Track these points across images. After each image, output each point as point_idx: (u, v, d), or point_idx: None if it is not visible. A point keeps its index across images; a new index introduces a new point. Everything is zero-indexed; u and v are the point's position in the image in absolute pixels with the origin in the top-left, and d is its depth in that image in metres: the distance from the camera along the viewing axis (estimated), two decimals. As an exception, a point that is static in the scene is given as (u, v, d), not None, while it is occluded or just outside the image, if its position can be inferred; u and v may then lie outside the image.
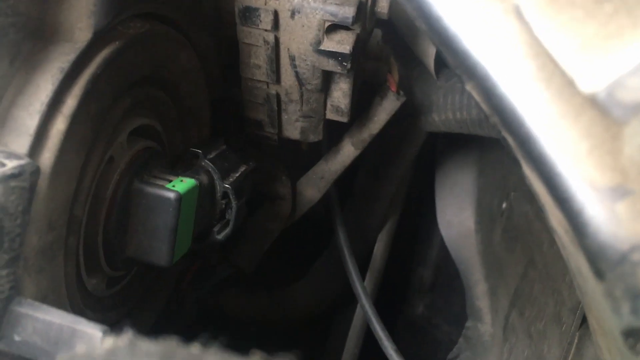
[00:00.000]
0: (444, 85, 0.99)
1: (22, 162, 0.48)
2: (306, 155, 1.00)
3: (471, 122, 0.97)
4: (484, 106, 0.44)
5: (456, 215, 1.24)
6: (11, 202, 0.47)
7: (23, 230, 0.49)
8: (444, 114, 0.99)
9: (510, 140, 0.41)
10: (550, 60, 0.32)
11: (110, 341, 0.29)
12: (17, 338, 0.49)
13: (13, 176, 0.47)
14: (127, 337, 0.28)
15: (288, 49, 0.78)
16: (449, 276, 1.34)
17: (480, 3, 0.35)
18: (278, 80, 0.81)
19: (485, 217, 1.18)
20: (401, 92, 0.93)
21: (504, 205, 1.16)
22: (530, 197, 1.05)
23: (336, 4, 0.73)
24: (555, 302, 0.81)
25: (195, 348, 0.26)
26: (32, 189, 0.49)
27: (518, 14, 0.31)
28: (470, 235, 1.22)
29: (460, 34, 0.36)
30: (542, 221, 0.95)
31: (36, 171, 0.49)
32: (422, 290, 1.40)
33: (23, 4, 0.52)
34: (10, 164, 0.47)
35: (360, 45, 0.77)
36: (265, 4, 0.75)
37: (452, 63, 0.41)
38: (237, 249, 0.95)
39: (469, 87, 0.45)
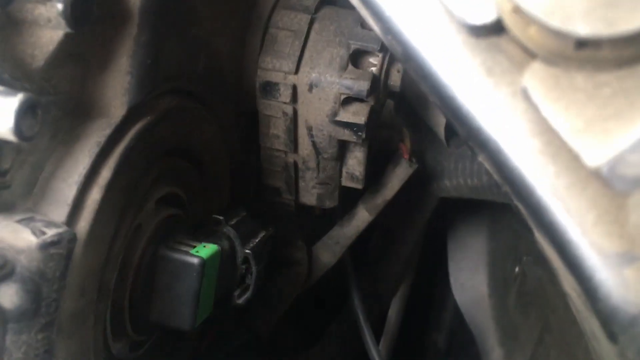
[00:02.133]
0: (455, 152, 1.03)
1: (60, 230, 0.51)
2: (319, 219, 1.03)
3: (482, 188, 0.99)
4: (495, 176, 0.47)
5: (469, 279, 1.25)
6: (49, 268, 0.50)
7: (59, 295, 0.51)
8: (456, 179, 1.02)
9: (521, 208, 0.44)
10: (556, 137, 0.35)
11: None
12: (48, 401, 0.50)
13: (52, 244, 0.50)
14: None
15: (306, 120, 0.82)
16: (463, 341, 1.34)
17: (490, 85, 0.38)
18: (296, 149, 0.85)
19: (499, 282, 1.19)
20: (413, 160, 0.96)
21: (517, 269, 1.17)
22: (543, 261, 1.06)
23: (352, 78, 0.78)
24: (573, 366, 0.81)
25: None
26: (69, 256, 0.52)
27: (525, 96, 0.35)
28: (483, 299, 1.22)
29: (473, 112, 0.39)
30: (555, 285, 0.96)
31: (73, 239, 0.52)
32: (437, 356, 1.39)
33: (64, 83, 0.57)
34: (50, 232, 0.50)
35: (374, 115, 0.81)
36: (285, 79, 0.80)
37: (465, 137, 0.45)
38: (253, 314, 0.97)
39: (481, 157, 0.49)
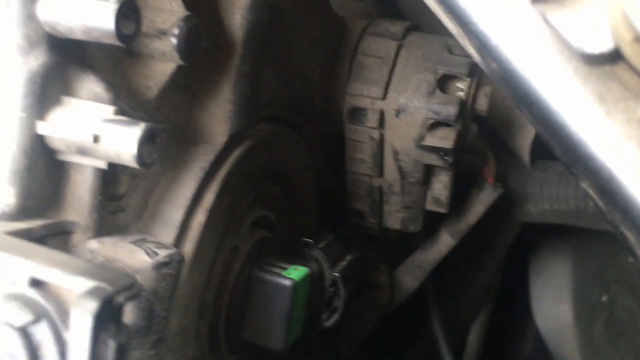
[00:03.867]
0: (540, 176, 1.01)
1: (171, 251, 0.54)
2: (395, 243, 1.03)
3: (569, 213, 0.97)
4: (601, 203, 0.46)
5: (553, 307, 1.22)
6: (161, 288, 0.53)
7: (168, 314, 0.54)
8: (541, 204, 1.01)
9: (632, 237, 0.43)
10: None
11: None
12: (158, 415, 0.53)
13: (165, 264, 0.53)
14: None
15: (392, 144, 0.83)
16: (545, 371, 1.29)
17: (603, 112, 0.38)
18: (381, 174, 0.86)
19: (585, 310, 1.15)
20: (498, 184, 0.95)
21: (605, 298, 1.13)
22: (634, 290, 1.03)
23: (439, 103, 0.78)
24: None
25: None
26: (177, 276, 0.54)
27: (646, 124, 0.35)
28: (569, 328, 1.18)
29: (584, 139, 0.39)
30: (649, 315, 0.92)
31: (182, 260, 0.55)
32: (517, 385, 1.35)
33: (173, 112, 0.60)
34: (162, 253, 0.53)
35: (460, 139, 0.81)
36: (372, 104, 0.81)
37: (571, 164, 0.45)
38: (337, 335, 0.98)
39: (584, 184, 0.48)
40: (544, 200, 1.00)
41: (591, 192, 0.46)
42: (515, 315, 1.34)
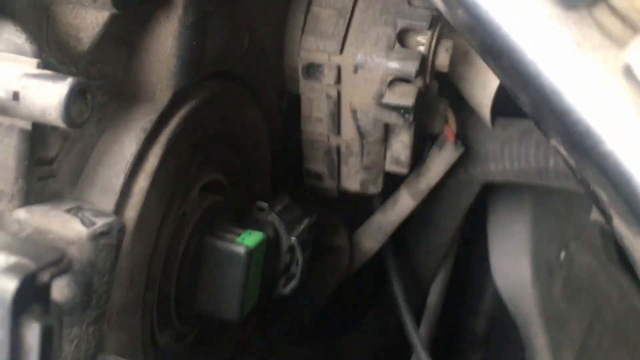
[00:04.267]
0: (501, 134, 0.99)
1: (110, 219, 0.49)
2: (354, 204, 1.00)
3: (530, 172, 0.96)
4: (571, 161, 0.43)
5: (512, 266, 1.22)
6: (100, 259, 0.48)
7: (110, 287, 0.50)
8: (501, 163, 0.99)
9: (605, 195, 0.41)
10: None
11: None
12: (101, 396, 0.49)
13: (102, 234, 0.48)
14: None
15: (350, 102, 0.79)
16: (504, 329, 1.31)
17: (581, 61, 0.35)
18: (339, 133, 0.82)
19: (543, 268, 1.16)
20: (459, 143, 0.93)
21: (563, 255, 1.13)
22: (593, 247, 1.03)
23: (399, 59, 0.74)
24: (632, 356, 0.78)
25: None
26: (118, 246, 0.50)
27: (628, 73, 0.31)
28: (527, 286, 1.19)
29: (562, 92, 0.36)
30: (608, 273, 0.92)
31: (122, 229, 0.50)
32: (476, 343, 1.36)
33: (109, 67, 0.55)
34: (100, 222, 0.48)
35: (420, 97, 0.78)
36: (329, 60, 0.77)
37: (542, 118, 0.41)
38: (295, 302, 0.95)
39: (555, 141, 0.45)
40: (504, 159, 0.98)
41: (562, 149, 0.44)
42: (474, 274, 1.34)
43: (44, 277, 0.34)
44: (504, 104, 0.94)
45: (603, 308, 0.93)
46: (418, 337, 1.02)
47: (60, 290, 0.46)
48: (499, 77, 0.46)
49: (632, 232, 0.40)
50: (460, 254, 1.28)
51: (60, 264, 0.35)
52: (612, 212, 0.42)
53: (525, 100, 0.42)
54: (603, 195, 0.41)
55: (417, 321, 1.22)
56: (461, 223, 1.18)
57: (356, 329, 1.20)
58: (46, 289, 0.35)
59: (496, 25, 0.38)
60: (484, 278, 1.29)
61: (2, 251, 0.35)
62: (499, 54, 0.39)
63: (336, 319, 1.21)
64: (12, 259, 0.34)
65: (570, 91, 0.35)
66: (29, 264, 0.34)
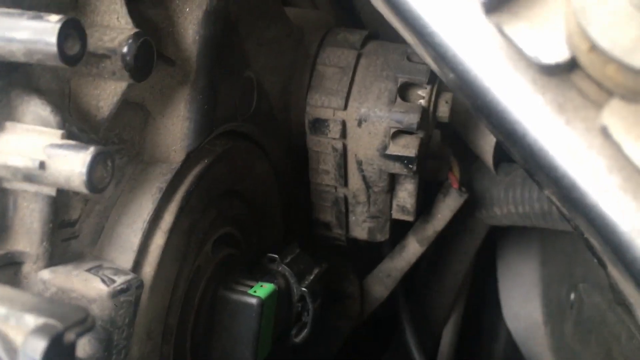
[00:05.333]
0: (504, 179, 1.01)
1: (128, 277, 0.52)
2: (363, 252, 1.02)
3: (534, 215, 0.98)
4: (564, 211, 0.46)
5: (522, 307, 1.22)
6: (120, 316, 0.50)
7: (128, 342, 0.52)
8: (506, 207, 1.01)
9: (597, 244, 0.43)
10: (637, 173, 0.35)
11: None
12: None
13: (122, 292, 0.50)
14: None
15: (355, 154, 0.82)
16: (518, 371, 1.30)
17: (562, 122, 0.38)
18: (346, 184, 0.85)
19: (554, 309, 1.16)
20: (463, 189, 0.95)
21: (573, 296, 1.14)
22: (602, 288, 1.03)
23: (401, 111, 0.78)
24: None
25: None
26: (136, 302, 0.52)
27: (605, 133, 0.34)
28: (538, 328, 1.19)
29: (545, 149, 0.38)
30: (616, 313, 0.93)
31: (140, 285, 0.53)
32: (492, 386, 1.35)
33: (127, 132, 0.58)
34: (119, 280, 0.51)
35: (423, 147, 0.81)
36: (334, 115, 0.80)
37: (534, 172, 0.44)
38: (309, 350, 0.96)
39: (548, 192, 0.48)
40: (509, 203, 1.00)
41: (554, 199, 0.46)
42: (486, 317, 1.35)
43: (70, 336, 0.37)
44: (505, 151, 0.97)
45: (613, 348, 0.93)
46: (432, 383, 1.02)
47: (82, 347, 0.49)
48: (492, 133, 0.49)
49: (624, 277, 0.42)
50: (472, 296, 1.29)
51: (84, 323, 0.38)
52: (605, 259, 0.45)
53: (517, 155, 0.45)
54: (595, 243, 0.44)
55: (432, 364, 1.22)
56: (471, 266, 1.20)
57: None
58: (72, 347, 0.37)
59: (484, 89, 0.41)
60: (497, 320, 1.29)
61: (31, 312, 0.37)
62: (488, 114, 0.42)
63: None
64: (41, 320, 0.37)
65: (555, 148, 0.38)
66: (56, 324, 0.37)
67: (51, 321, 0.37)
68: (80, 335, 0.37)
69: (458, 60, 0.42)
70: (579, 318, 1.09)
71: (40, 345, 0.35)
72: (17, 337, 0.39)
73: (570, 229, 0.97)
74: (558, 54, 0.34)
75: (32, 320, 0.37)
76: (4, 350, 0.39)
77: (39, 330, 0.36)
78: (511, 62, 0.39)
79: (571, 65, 0.35)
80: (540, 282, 1.21)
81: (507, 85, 0.40)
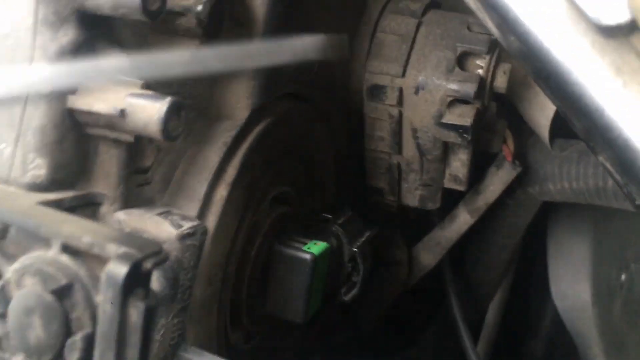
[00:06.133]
0: (559, 155, 1.01)
1: (194, 223, 0.56)
2: (413, 221, 1.04)
3: (588, 192, 0.97)
4: (617, 176, 0.47)
5: (571, 286, 1.22)
6: (186, 258, 0.54)
7: (192, 283, 0.56)
8: (560, 183, 1.00)
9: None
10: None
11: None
12: (183, 381, 0.55)
13: (189, 235, 0.54)
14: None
15: (411, 122, 0.83)
16: (563, 350, 1.30)
17: (619, 84, 0.39)
18: (400, 151, 0.87)
19: (603, 289, 1.15)
20: (517, 162, 0.96)
21: (623, 277, 1.13)
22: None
23: (458, 80, 0.79)
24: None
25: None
26: (201, 247, 0.56)
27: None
28: (587, 307, 1.19)
29: (601, 110, 0.40)
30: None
31: (205, 232, 0.56)
32: (535, 364, 1.36)
33: (197, 88, 0.62)
34: (186, 225, 0.55)
35: (478, 117, 0.81)
36: (392, 82, 0.82)
37: (588, 135, 0.45)
38: (355, 312, 0.99)
39: (602, 157, 0.49)
40: (563, 179, 1.00)
41: (608, 165, 0.47)
42: (533, 295, 1.35)
43: (147, 265, 0.41)
44: (562, 126, 0.97)
45: (663, 330, 0.93)
46: (476, 356, 1.04)
47: (153, 283, 0.53)
48: (549, 98, 0.50)
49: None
50: (521, 273, 1.29)
51: (159, 255, 0.41)
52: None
53: (573, 120, 0.46)
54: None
55: (475, 340, 1.23)
56: (520, 242, 1.20)
57: (414, 345, 1.22)
58: (148, 275, 0.41)
59: (545, 51, 0.42)
60: (544, 299, 1.29)
61: (113, 242, 0.41)
62: (547, 78, 0.43)
63: (394, 336, 1.23)
64: (122, 249, 0.41)
65: (611, 109, 0.39)
66: (135, 253, 0.40)
67: (131, 250, 0.40)
68: (155, 265, 0.41)
69: (519, 22, 0.43)
70: (628, 299, 1.08)
71: (122, 270, 0.39)
72: (99, 264, 0.43)
73: (624, 206, 0.96)
74: (618, 15, 0.35)
75: (114, 249, 0.41)
76: (87, 275, 0.43)
77: (121, 257, 0.40)
78: (572, 24, 0.40)
79: (631, 28, 0.36)
80: (591, 262, 1.20)
81: (567, 47, 0.41)
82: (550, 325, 1.33)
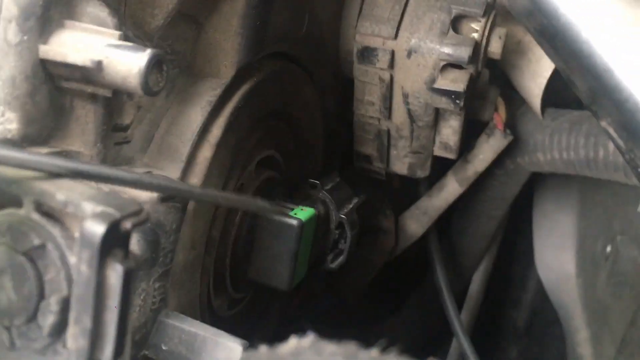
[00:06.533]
0: (550, 124, 0.99)
1: (177, 184, 0.53)
2: (398, 191, 1.02)
3: (579, 163, 0.96)
4: (620, 142, 0.45)
5: (556, 258, 1.21)
6: (167, 220, 0.52)
7: (174, 247, 0.54)
8: (550, 153, 0.99)
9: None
10: None
11: (294, 342, 0.32)
12: (164, 347, 0.53)
13: (171, 197, 0.52)
14: (310, 338, 0.31)
15: (402, 87, 0.81)
16: (545, 321, 1.31)
17: (634, 43, 0.37)
18: (390, 117, 0.85)
19: (588, 261, 1.15)
20: (508, 131, 0.94)
21: (609, 249, 1.13)
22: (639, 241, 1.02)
23: (452, 44, 0.76)
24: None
25: (374, 352, 0.28)
26: (183, 209, 0.54)
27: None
28: (570, 279, 1.19)
29: (612, 68, 0.37)
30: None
31: (188, 193, 0.54)
32: (516, 335, 1.37)
33: (179, 43, 0.59)
34: (168, 186, 0.52)
35: (471, 84, 0.79)
36: (383, 44, 0.79)
37: (594, 97, 0.43)
38: (341, 279, 0.98)
39: (605, 123, 0.47)
40: (553, 149, 0.98)
41: (611, 130, 0.45)
42: (516, 266, 1.35)
43: (127, 225, 0.38)
44: (554, 95, 0.95)
45: (647, 301, 0.93)
46: (459, 324, 1.03)
47: (133, 246, 0.50)
48: (552, 60, 0.48)
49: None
50: (505, 244, 1.29)
51: (140, 215, 0.39)
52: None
53: (578, 81, 0.44)
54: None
55: (459, 309, 1.23)
56: (507, 212, 1.19)
57: (398, 313, 1.22)
58: (127, 236, 0.39)
59: (553, 5, 0.40)
60: (527, 269, 1.29)
61: (90, 201, 0.39)
62: (554, 35, 0.41)
63: (378, 304, 1.23)
64: (99, 208, 0.38)
65: (622, 68, 0.37)
66: (114, 212, 0.38)
67: (109, 209, 0.38)
68: (135, 226, 0.39)
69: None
70: (613, 271, 1.08)
71: (99, 229, 0.37)
72: (75, 223, 0.40)
73: (613, 178, 0.95)
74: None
75: (90, 207, 0.38)
76: (62, 236, 0.41)
77: (98, 216, 0.37)
78: (584, -23, 0.38)
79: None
80: (577, 233, 1.19)
81: (576, 2, 0.39)
82: (533, 296, 1.33)
